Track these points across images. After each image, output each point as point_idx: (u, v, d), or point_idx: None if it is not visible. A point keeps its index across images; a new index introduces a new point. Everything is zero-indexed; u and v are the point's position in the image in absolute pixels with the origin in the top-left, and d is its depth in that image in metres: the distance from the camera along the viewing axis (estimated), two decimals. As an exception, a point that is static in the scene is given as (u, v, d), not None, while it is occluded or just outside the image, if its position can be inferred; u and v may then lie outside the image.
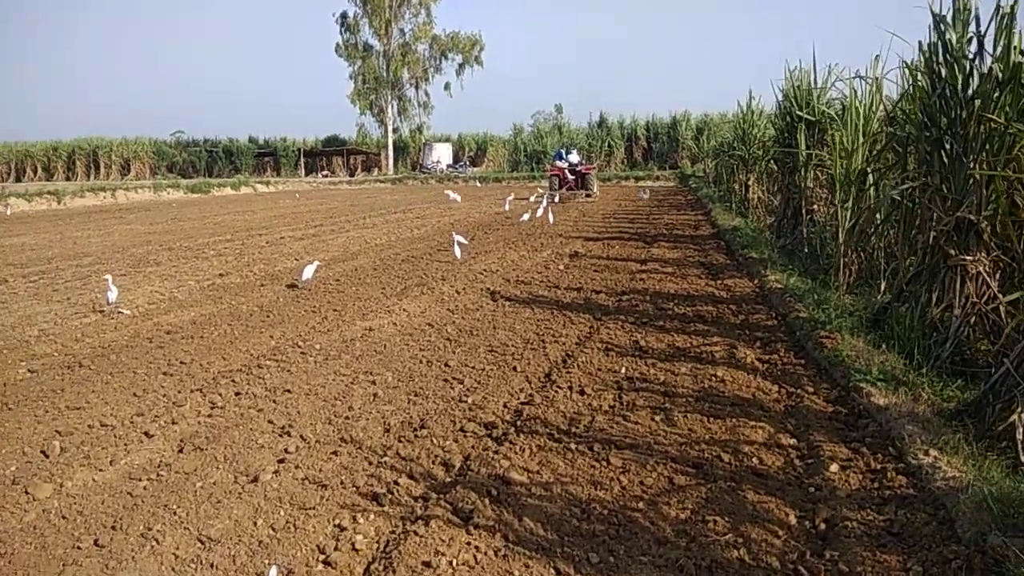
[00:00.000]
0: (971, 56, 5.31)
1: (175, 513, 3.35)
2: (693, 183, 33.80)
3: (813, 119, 10.91)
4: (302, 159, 54.48)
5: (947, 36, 5.43)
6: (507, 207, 19.88)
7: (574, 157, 27.46)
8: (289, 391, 4.93)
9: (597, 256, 11.37)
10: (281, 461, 3.84)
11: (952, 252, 5.43)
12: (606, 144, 48.99)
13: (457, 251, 11.01)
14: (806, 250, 10.63)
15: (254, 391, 4.97)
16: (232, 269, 10.57)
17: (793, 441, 3.89)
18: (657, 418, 4.25)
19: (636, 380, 5.01)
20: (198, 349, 6.14)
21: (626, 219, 18.11)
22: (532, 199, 22.31)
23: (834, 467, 3.49)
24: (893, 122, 8.45)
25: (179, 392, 5.02)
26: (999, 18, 5.10)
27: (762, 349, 5.78)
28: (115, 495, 3.54)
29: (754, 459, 3.63)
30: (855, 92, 8.44)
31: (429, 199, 28.62)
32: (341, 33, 52.67)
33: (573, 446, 3.85)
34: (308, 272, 9.09)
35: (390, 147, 53.13)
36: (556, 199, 23.47)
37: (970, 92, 5.31)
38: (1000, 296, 5.23)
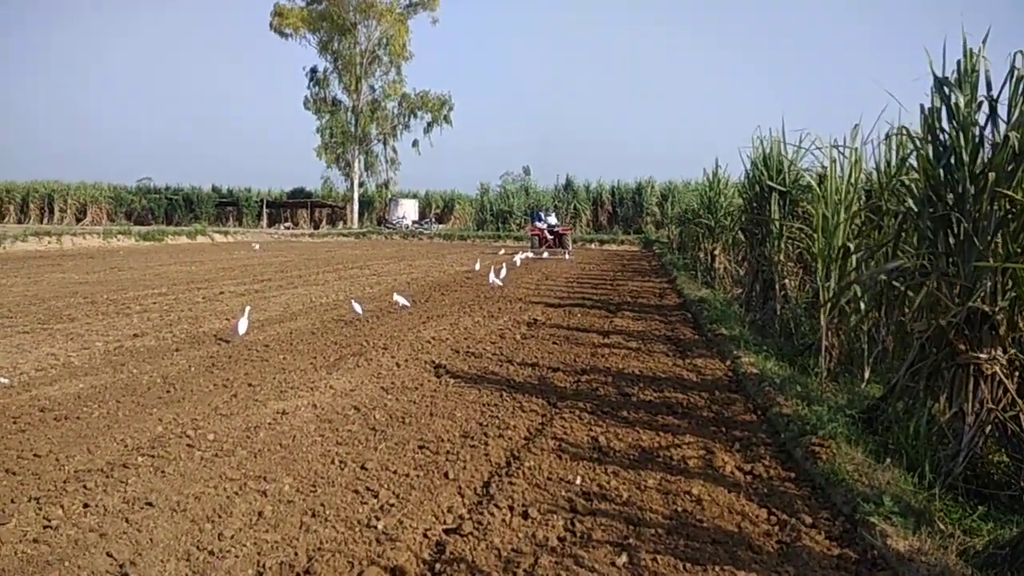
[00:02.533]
0: (982, 123, 4.62)
1: None
2: (657, 248, 33.47)
3: (784, 189, 10.34)
4: (264, 209, 53.33)
5: (952, 100, 4.74)
6: (477, 266, 19.46)
7: (552, 219, 31.16)
8: (151, 504, 3.82)
9: (557, 325, 10.47)
10: (100, 626, 2.74)
11: (963, 347, 4.63)
12: (572, 207, 48.91)
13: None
14: (777, 326, 9.88)
15: (107, 503, 3.84)
16: (151, 328, 9.39)
17: (797, 606, 2.91)
18: (619, 561, 3.24)
19: (594, 496, 4.02)
20: (65, 436, 4.98)
21: (590, 284, 17.33)
22: (517, 257, 23.07)
23: (860, 660, 2.52)
24: (871, 195, 7.86)
25: (12, 502, 3.86)
26: (1014, 80, 4.42)
27: (743, 454, 4.84)
28: None
29: (749, 640, 2.64)
30: (835, 162, 7.83)
31: (391, 255, 27.71)
32: (310, 87, 52.36)
33: (506, 609, 2.82)
34: (242, 327, 8.48)
35: (355, 201, 52.32)
36: (545, 255, 27.03)
37: (980, 164, 4.60)
38: (1020, 402, 4.41)
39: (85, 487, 4.05)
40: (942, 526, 3.65)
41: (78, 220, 52.47)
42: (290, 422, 5.35)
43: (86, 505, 3.83)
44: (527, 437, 5.13)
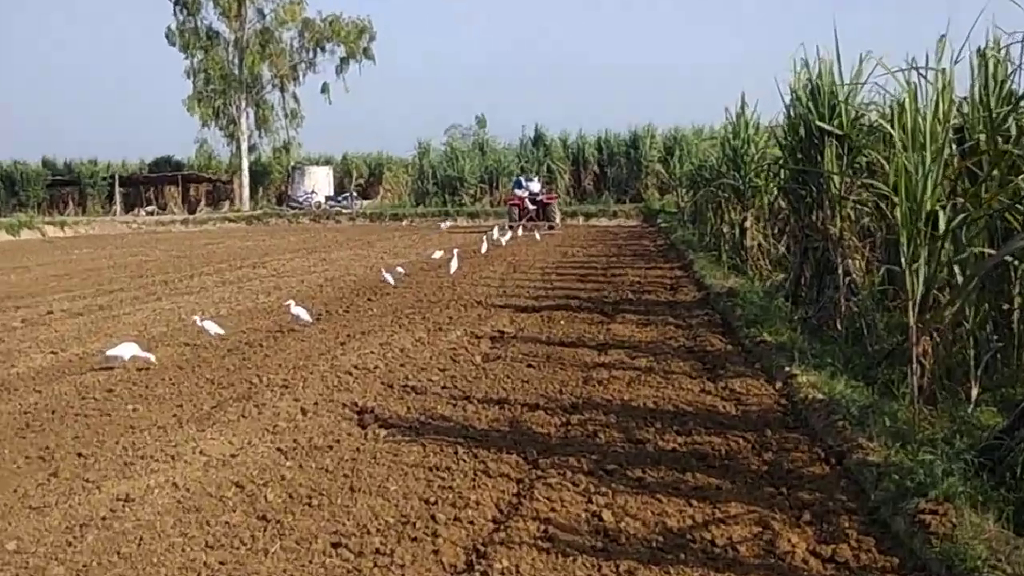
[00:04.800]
0: None
1: None
2: (663, 221, 33.45)
3: (841, 133, 10.02)
4: (118, 189, 52.11)
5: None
6: (437, 255, 19.69)
7: (535, 186, 33.74)
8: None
9: (533, 339, 10.09)
10: None
11: None
12: (544, 168, 48.57)
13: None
14: (840, 327, 9.58)
15: None
16: (-61, 373, 8.75)
17: None
18: None
19: (602, 617, 3.58)
20: None
21: (575, 275, 17.03)
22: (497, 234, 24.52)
23: None
24: (964, 137, 7.57)
25: None
26: None
27: (817, 530, 4.43)
28: None
29: None
30: (914, 92, 7.49)
31: (296, 245, 27.17)
32: (175, 13, 51.25)
33: None
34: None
35: (245, 172, 51.62)
36: (520, 232, 28.00)
37: None
38: None
39: None
40: None
41: None
42: (136, 514, 4.83)
43: None
44: (497, 520, 4.69)
